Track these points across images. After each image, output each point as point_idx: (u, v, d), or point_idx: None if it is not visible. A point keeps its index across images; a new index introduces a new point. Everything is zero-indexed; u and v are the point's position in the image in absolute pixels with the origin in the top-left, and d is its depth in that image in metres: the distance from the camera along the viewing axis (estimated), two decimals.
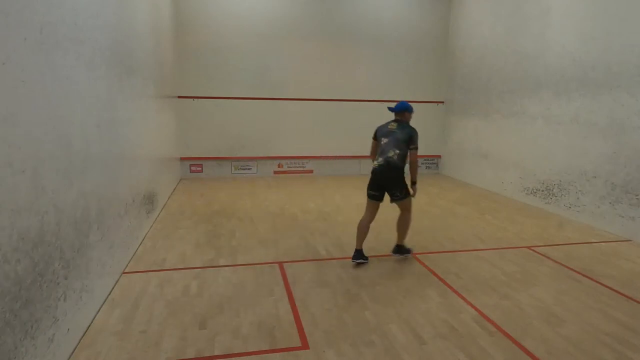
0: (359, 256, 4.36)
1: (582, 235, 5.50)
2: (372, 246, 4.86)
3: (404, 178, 4.35)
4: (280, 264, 4.38)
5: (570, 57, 6.38)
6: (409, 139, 4.28)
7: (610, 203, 5.74)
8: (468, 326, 3.21)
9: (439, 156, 10.35)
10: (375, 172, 4.39)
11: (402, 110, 4.47)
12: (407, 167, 4.36)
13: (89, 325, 3.09)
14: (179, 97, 8.66)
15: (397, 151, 4.27)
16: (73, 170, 2.83)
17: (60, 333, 2.57)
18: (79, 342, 2.87)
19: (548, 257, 4.70)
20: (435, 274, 4.17)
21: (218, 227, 5.58)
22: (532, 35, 7.18)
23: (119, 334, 3.00)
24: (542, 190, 6.96)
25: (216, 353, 2.81)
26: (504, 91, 7.92)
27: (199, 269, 4.19)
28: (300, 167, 9.68)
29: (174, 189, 7.90)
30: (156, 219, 5.86)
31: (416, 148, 4.30)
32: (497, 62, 8.10)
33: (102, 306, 3.38)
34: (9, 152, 2.03)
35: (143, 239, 4.98)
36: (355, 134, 9.54)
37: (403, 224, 4.52)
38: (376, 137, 4.50)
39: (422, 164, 10.29)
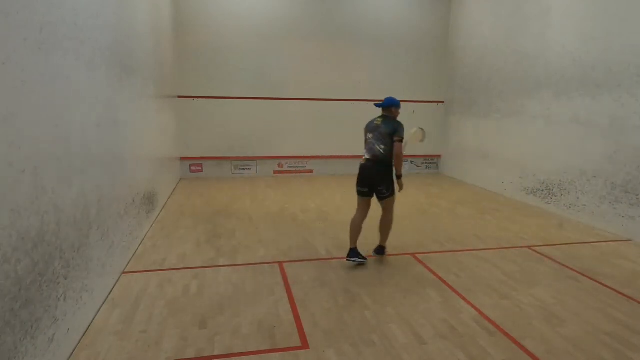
0: (354, 255, 4.31)
1: (582, 235, 5.50)
2: (372, 246, 4.86)
3: (391, 174, 4.30)
4: (280, 264, 4.38)
5: (570, 57, 6.38)
6: (393, 133, 4.22)
7: (610, 203, 5.73)
8: (468, 326, 3.21)
9: (439, 156, 10.35)
10: (362, 168, 4.36)
11: (389, 105, 4.45)
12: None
13: (89, 325, 3.09)
14: (179, 97, 8.66)
15: (383, 146, 4.23)
16: (73, 170, 2.83)
17: (60, 333, 2.57)
18: (79, 342, 2.87)
19: (548, 257, 4.70)
20: (435, 274, 4.17)
21: (218, 227, 5.58)
22: (532, 35, 7.17)
23: (119, 334, 3.00)
24: (542, 190, 6.96)
25: (216, 353, 2.81)
26: (504, 91, 7.91)
27: (199, 269, 4.19)
28: (300, 167, 9.68)
29: (174, 189, 7.90)
30: (156, 219, 5.86)
31: (400, 140, 4.20)
32: (497, 62, 8.10)
33: (102, 306, 3.38)
34: (9, 152, 2.03)
35: (143, 239, 4.98)
36: (356, 134, 9.50)
37: (385, 226, 4.48)
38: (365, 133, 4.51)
39: (422, 163, 10.31)
